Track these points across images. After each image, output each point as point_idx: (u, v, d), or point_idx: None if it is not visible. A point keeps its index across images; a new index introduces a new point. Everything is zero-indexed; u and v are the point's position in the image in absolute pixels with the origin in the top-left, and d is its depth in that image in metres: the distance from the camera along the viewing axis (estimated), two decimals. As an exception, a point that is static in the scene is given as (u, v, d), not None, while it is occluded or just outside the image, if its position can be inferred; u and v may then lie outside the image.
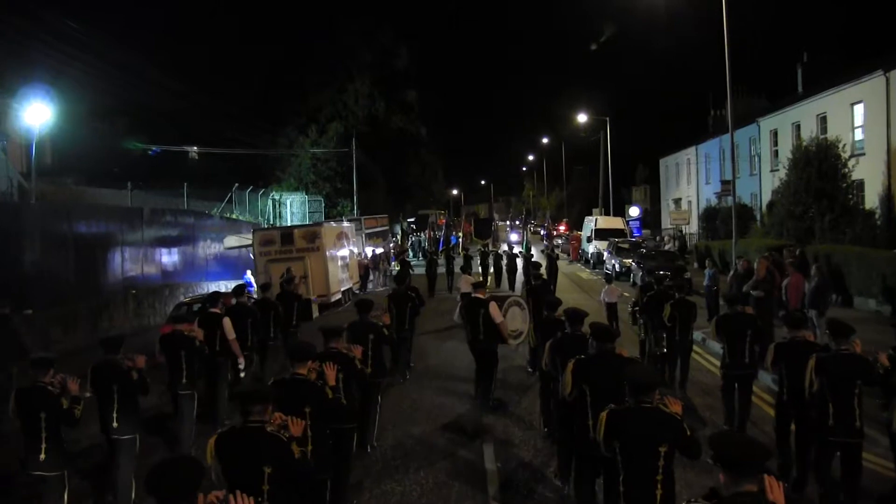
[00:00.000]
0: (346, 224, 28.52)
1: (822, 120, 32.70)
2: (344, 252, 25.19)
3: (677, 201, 56.46)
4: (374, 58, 53.22)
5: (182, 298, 20.03)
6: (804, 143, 28.71)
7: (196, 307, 14.11)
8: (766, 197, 38.58)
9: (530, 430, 10.25)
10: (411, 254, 43.40)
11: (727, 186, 29.30)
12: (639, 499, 5.16)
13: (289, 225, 34.33)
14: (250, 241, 22.36)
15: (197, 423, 9.61)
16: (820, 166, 26.73)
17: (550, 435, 9.31)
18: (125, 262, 19.14)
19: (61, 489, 6.86)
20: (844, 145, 27.45)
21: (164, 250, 21.89)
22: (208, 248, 25.47)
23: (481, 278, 26.92)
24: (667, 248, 34.42)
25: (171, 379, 9.47)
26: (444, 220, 53.78)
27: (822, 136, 30.25)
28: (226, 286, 24.66)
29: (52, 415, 6.72)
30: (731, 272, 17.60)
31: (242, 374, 11.73)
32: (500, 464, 8.85)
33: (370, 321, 9.64)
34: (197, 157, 42.33)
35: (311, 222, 34.50)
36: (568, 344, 7.62)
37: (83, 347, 14.64)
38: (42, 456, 6.69)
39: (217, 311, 11.25)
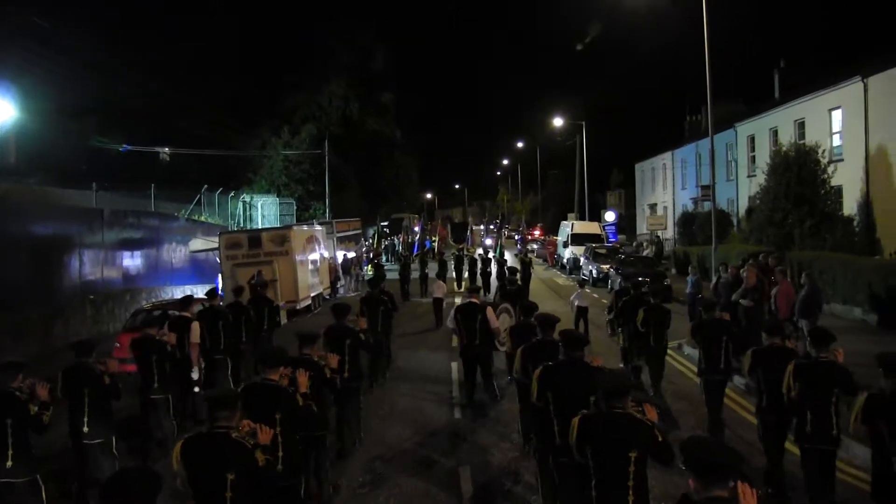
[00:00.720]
0: (316, 227, 27.68)
1: (800, 125, 32.53)
2: (314, 256, 24.37)
3: (653, 206, 56.28)
4: (351, 59, 52.62)
5: (144, 304, 19.10)
6: (783, 149, 28.38)
7: (157, 313, 13.19)
8: (744, 202, 38.42)
9: (506, 437, 10.25)
10: (385, 258, 43.03)
11: (707, 191, 28.87)
12: None
13: (257, 228, 33.40)
14: (216, 245, 21.50)
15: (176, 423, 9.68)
16: (800, 172, 26.42)
17: (527, 442, 9.23)
18: (83, 266, 18.21)
19: (37, 493, 6.74)
20: (824, 151, 27.18)
21: (126, 254, 20.96)
22: (174, 252, 24.54)
23: (455, 283, 27.11)
24: (645, 253, 33.85)
25: (143, 384, 9.46)
26: (418, 224, 53.27)
27: (800, 142, 30.09)
28: (192, 291, 23.84)
29: (19, 421, 6.57)
30: (715, 279, 17.10)
31: (195, 378, 11.43)
32: (473, 473, 8.82)
33: (346, 326, 9.63)
34: (168, 159, 41.43)
35: (279, 226, 33.65)
36: (539, 350, 7.60)
37: (36, 356, 13.93)
38: (9, 463, 6.52)
39: (188, 315, 11.26)
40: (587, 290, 16.98)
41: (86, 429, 7.61)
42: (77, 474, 7.89)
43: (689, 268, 18.75)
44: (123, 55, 38.77)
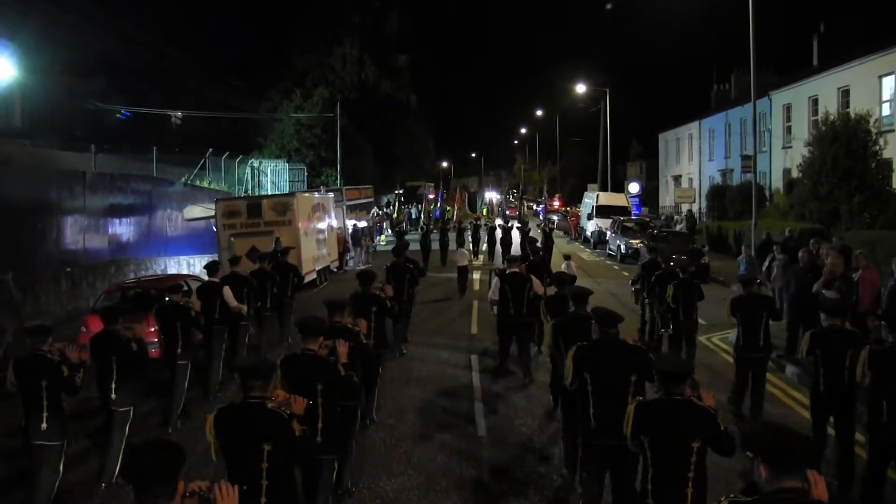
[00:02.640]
0: (323, 195, 25.73)
1: (845, 94, 30.39)
2: (321, 226, 22.50)
3: (677, 178, 54.28)
4: (363, 20, 50.51)
5: (128, 277, 17.43)
6: (831, 117, 26.21)
7: (132, 293, 11.53)
8: (777, 175, 36.38)
9: (531, 410, 10.09)
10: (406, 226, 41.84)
11: (748, 162, 26.77)
12: (669, 497, 4.88)
13: (257, 195, 31.47)
14: (213, 212, 19.72)
15: (187, 393, 9.76)
16: (848, 143, 24.32)
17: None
18: (61, 234, 16.44)
19: (59, 458, 6.81)
20: (875, 121, 25.07)
21: (113, 221, 19.16)
22: (170, 220, 22.74)
23: (472, 253, 25.90)
24: (678, 228, 31.57)
25: (167, 349, 9.60)
26: (436, 193, 51.88)
27: (843, 111, 27.95)
28: (188, 262, 22.17)
29: (53, 383, 6.65)
30: (769, 260, 15.25)
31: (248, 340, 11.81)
32: (492, 443, 8.82)
33: (372, 293, 9.60)
34: (179, 122, 40.92)
35: (282, 193, 31.89)
36: (572, 325, 7.35)
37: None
38: (44, 425, 6.63)
39: (215, 280, 11.43)
40: (572, 264, 16.14)
41: (114, 395, 7.72)
42: (105, 437, 7.94)
43: (743, 247, 16.80)
44: (131, 15, 37.66)
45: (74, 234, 16.92)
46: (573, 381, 6.16)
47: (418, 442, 8.91)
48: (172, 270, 21.14)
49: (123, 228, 19.63)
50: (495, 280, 12.01)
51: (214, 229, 19.68)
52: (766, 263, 15.45)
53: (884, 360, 6.47)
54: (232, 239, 18.72)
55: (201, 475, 6.09)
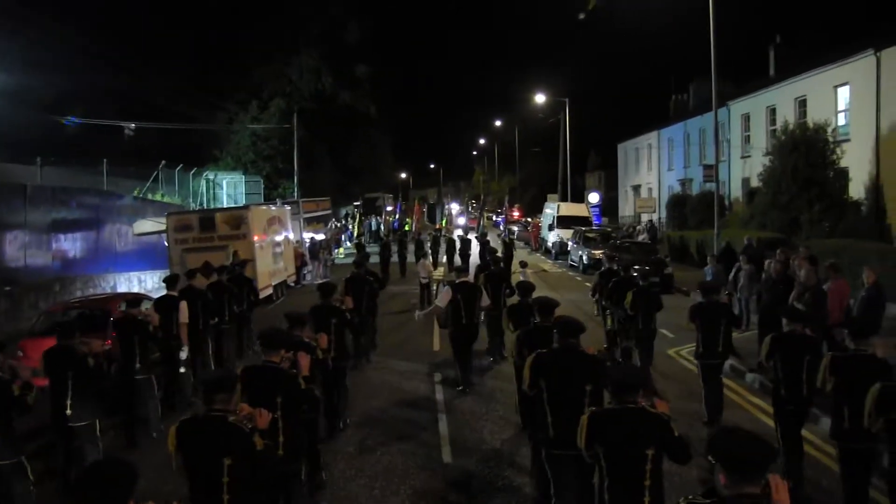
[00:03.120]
0: (279, 207, 25.00)
1: (802, 104, 30.70)
2: (277, 239, 21.79)
3: (636, 188, 54.53)
4: (322, 30, 49.74)
5: (74, 296, 16.58)
6: (790, 127, 26.33)
7: (71, 315, 10.81)
8: (736, 184, 36.60)
9: (489, 416, 10.30)
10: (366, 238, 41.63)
11: (710, 171, 26.79)
12: None
13: (211, 208, 30.54)
14: (164, 227, 18.92)
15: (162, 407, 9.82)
16: (808, 152, 24.42)
17: (526, 426, 8.85)
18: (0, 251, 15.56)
19: (23, 475, 6.65)
20: (833, 130, 25.20)
21: (57, 236, 18.28)
22: (119, 235, 21.82)
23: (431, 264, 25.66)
24: (640, 238, 31.41)
25: (124, 364, 9.42)
26: (395, 205, 51.37)
27: (801, 121, 28.15)
28: (139, 279, 21.33)
29: (2, 403, 6.44)
30: (735, 270, 15.02)
31: (183, 358, 11.29)
32: (456, 451, 8.85)
33: (332, 305, 9.62)
34: (132, 133, 39.65)
35: (236, 206, 31.07)
36: (536, 336, 7.31)
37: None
38: None
39: (174, 293, 11.20)
40: (528, 271, 16.25)
41: (69, 411, 7.51)
42: (61, 455, 7.78)
43: (709, 257, 16.55)
44: (83, 24, 36.48)
45: (14, 250, 16.06)
46: (531, 388, 6.15)
47: (382, 450, 9.00)
48: (123, 287, 20.29)
49: (69, 244, 18.77)
50: (445, 289, 11.94)
51: (166, 244, 18.89)
52: (732, 273, 15.22)
53: (845, 366, 6.54)
54: (184, 254, 17.97)
55: (162, 491, 6.49)
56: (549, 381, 6.01)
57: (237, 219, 18.82)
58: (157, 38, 43.91)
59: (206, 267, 13.71)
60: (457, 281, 11.80)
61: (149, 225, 20.86)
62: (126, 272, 20.98)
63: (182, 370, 11.18)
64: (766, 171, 26.60)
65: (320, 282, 26.33)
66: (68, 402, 7.48)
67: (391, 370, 13.10)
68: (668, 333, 14.40)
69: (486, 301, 11.64)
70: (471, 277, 17.94)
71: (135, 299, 10.49)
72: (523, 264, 16.35)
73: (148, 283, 21.84)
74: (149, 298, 13.48)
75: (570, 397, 5.83)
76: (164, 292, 11.81)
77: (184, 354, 11.12)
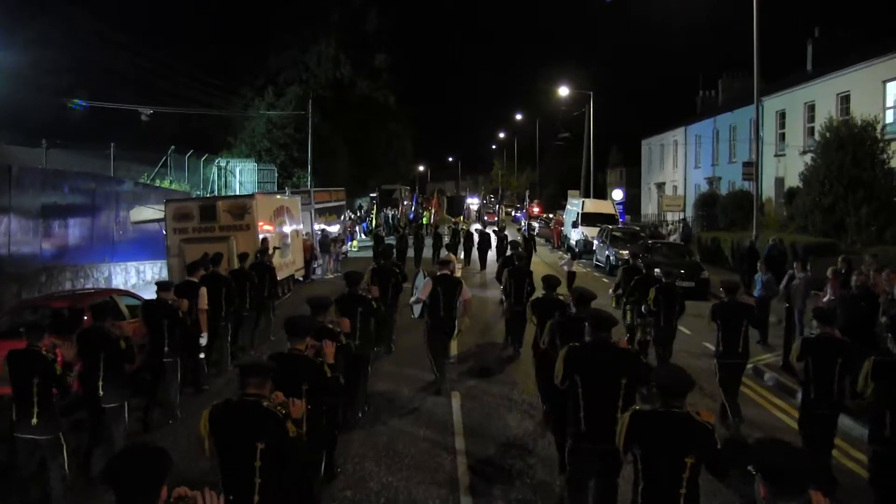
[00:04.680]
0: (289, 196, 23.54)
1: (844, 99, 28.97)
2: (285, 231, 20.38)
3: (660, 185, 52.95)
4: (341, 18, 48.62)
5: (62, 287, 15.27)
6: (834, 123, 24.64)
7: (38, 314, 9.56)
8: (769, 184, 34.83)
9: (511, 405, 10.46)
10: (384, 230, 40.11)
11: (749, 169, 25.15)
12: None
13: (213, 196, 29.00)
14: (163, 215, 17.57)
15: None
16: (855, 151, 22.74)
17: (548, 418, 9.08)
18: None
19: (59, 451, 6.82)
20: (882, 127, 23.53)
21: (49, 222, 16.97)
22: (117, 222, 20.47)
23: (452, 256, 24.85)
24: (671, 239, 29.64)
25: (152, 348, 9.60)
26: (412, 197, 50.30)
27: (842, 118, 26.47)
28: (137, 269, 20.05)
29: (45, 380, 6.70)
30: (787, 279, 13.52)
31: (203, 344, 11.20)
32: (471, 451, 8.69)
33: (359, 294, 9.63)
34: (148, 118, 39.10)
35: (239, 194, 29.73)
36: (573, 327, 7.37)
37: None
38: (34, 420, 6.67)
39: (194, 279, 11.29)
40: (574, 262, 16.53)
41: (101, 392, 7.74)
42: (88, 434, 7.99)
43: (758, 264, 14.98)
44: (100, 10, 36.20)
45: (-5, 237, 14.76)
46: (563, 382, 6.10)
47: (398, 436, 9.12)
48: (119, 278, 19.04)
49: (60, 231, 17.44)
50: (426, 280, 11.85)
51: (164, 233, 17.55)
52: (784, 281, 13.70)
53: (889, 371, 6.36)
54: (182, 244, 16.64)
55: (185, 476, 6.41)
56: (583, 375, 5.93)
57: (240, 207, 17.41)
58: (175, 23, 43.32)
59: (204, 259, 12.50)
60: (438, 273, 11.62)
61: (147, 212, 19.46)
62: (123, 262, 19.69)
63: (201, 356, 11.19)
64: (807, 170, 24.94)
65: (331, 276, 25.42)
66: (100, 384, 7.70)
67: (406, 362, 12.94)
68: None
69: (466, 294, 11.45)
70: (490, 273, 18.72)
71: (165, 282, 10.50)
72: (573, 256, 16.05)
73: (147, 273, 20.53)
74: (134, 297, 12.26)
75: (605, 392, 5.78)
76: (154, 288, 10.83)
77: (203, 341, 11.06)
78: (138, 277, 20.22)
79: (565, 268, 20.47)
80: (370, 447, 8.69)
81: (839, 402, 7.29)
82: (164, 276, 17.66)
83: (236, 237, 16.71)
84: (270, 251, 16.04)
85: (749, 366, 12.37)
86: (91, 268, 17.81)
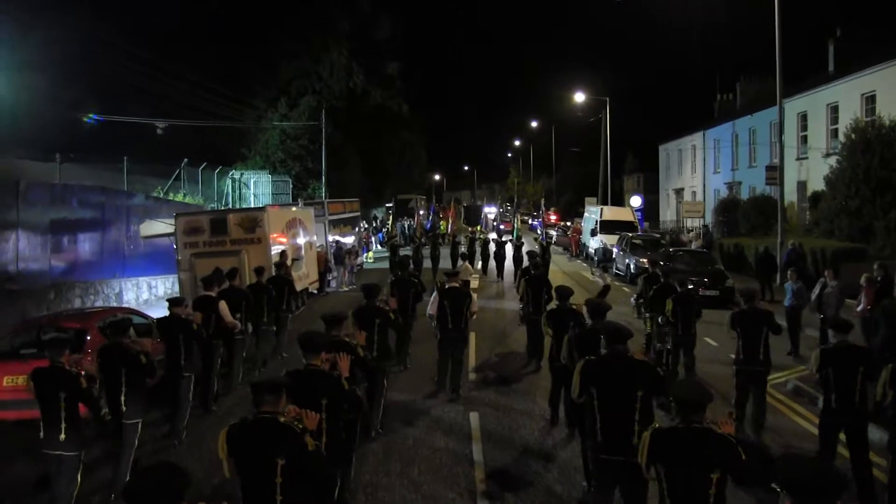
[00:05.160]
0: (301, 208, 23.08)
1: (870, 100, 28.24)
2: (298, 243, 19.97)
3: (679, 191, 52.23)
4: (352, 27, 48.27)
5: (72, 304, 14.92)
6: (861, 124, 23.99)
7: (50, 335, 9.09)
8: (791, 187, 34.07)
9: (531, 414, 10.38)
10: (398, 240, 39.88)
11: (773, 173, 24.51)
12: None
13: (225, 209, 28.63)
14: (173, 229, 17.21)
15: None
16: (883, 152, 22.09)
17: (555, 418, 9.67)
18: (-14, 254, 13.94)
19: (77, 467, 6.88)
20: (911, 128, 22.89)
21: (58, 238, 16.64)
22: (128, 237, 20.11)
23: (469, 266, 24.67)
24: (693, 246, 28.94)
25: (169, 363, 9.56)
26: (428, 207, 50.01)
27: (873, 118, 25.77)
28: (149, 285, 19.70)
29: (71, 395, 6.79)
30: (819, 288, 12.94)
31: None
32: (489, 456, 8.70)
33: (377, 306, 9.61)
34: (162, 132, 39.42)
35: (252, 207, 29.37)
36: (590, 339, 7.34)
37: None
38: (62, 436, 6.73)
39: (212, 294, 11.25)
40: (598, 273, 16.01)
41: (123, 408, 7.72)
42: (115, 449, 7.87)
43: (789, 272, 14.36)
44: (112, 22, 36.02)
45: (3, 253, 14.42)
46: (580, 395, 6.13)
47: (414, 448, 9.06)
48: (130, 294, 18.70)
49: (69, 247, 17.09)
50: (434, 294, 11.89)
51: (174, 247, 17.18)
52: (816, 290, 13.10)
53: None
54: (193, 259, 16.27)
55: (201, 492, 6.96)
56: (599, 388, 5.97)
57: (251, 220, 17.00)
58: (187, 35, 43.18)
59: (219, 274, 12.15)
60: (447, 286, 11.64)
61: (157, 227, 19.06)
62: (134, 277, 19.34)
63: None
64: (832, 172, 24.28)
65: (345, 288, 24.99)
66: (122, 399, 7.71)
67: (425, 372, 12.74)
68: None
69: (475, 307, 11.59)
70: (507, 282, 18.71)
71: (178, 298, 10.39)
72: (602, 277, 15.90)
73: (160, 288, 20.19)
74: (140, 315, 11.89)
75: (621, 404, 5.81)
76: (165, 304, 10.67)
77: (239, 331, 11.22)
78: (150, 293, 19.88)
79: (600, 281, 19.46)
80: (386, 457, 8.72)
81: (863, 410, 7.18)
82: (177, 291, 17.30)
83: (247, 251, 16.31)
84: (289, 262, 16.01)
85: (780, 379, 11.90)
86: (101, 284, 17.47)
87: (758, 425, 9.29)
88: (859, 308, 12.10)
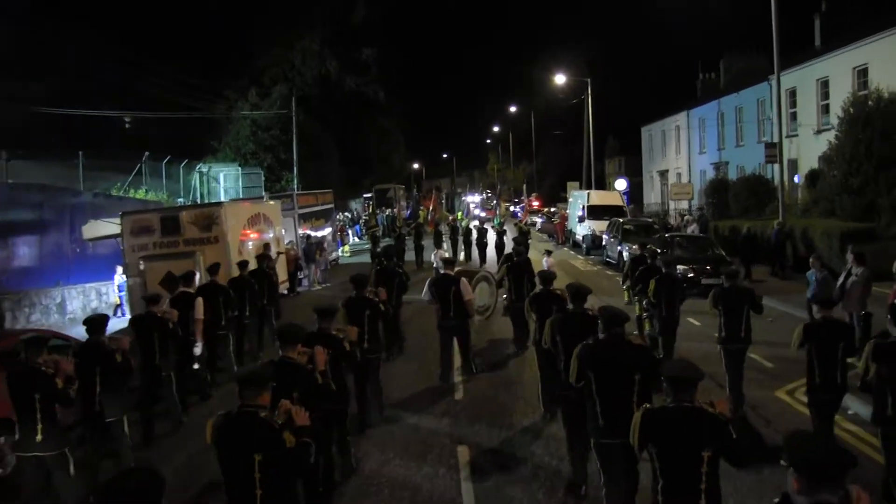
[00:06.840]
0: (267, 203, 21.31)
1: (862, 73, 27.02)
2: (263, 241, 18.26)
3: (663, 173, 51.09)
4: (325, 12, 46.66)
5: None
6: (859, 98, 22.70)
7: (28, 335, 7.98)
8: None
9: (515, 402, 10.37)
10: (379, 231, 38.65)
11: (772, 150, 23.17)
12: None
13: (176, 206, 26.75)
14: (119, 229, 15.57)
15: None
16: (884, 126, 20.79)
17: (548, 410, 9.41)
18: None
19: (65, 466, 6.78)
20: (911, 100, 21.61)
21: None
22: (73, 239, 18.38)
23: (451, 254, 25.29)
24: (690, 230, 27.37)
25: (144, 361, 9.40)
26: (408, 196, 48.84)
27: (860, 93, 24.51)
28: (98, 292, 18.07)
29: (46, 395, 6.67)
30: (843, 276, 11.57)
31: (197, 354, 10.91)
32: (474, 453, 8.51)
33: (366, 297, 9.57)
34: (129, 125, 38.35)
35: (207, 203, 27.54)
36: (570, 322, 7.49)
37: None
38: (38, 437, 6.65)
39: (190, 290, 11.12)
40: (552, 261, 14.72)
41: (98, 407, 7.66)
42: (94, 448, 7.86)
43: (811, 259, 12.94)
44: (70, 11, 34.80)
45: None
46: (578, 380, 6.16)
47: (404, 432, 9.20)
48: (76, 303, 17.17)
49: (2, 253, 15.41)
50: (427, 282, 11.85)
51: (121, 249, 15.54)
52: (841, 279, 11.68)
53: (889, 353, 6.43)
54: (143, 262, 14.67)
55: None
56: (597, 372, 6.01)
57: (207, 217, 15.39)
58: (154, 24, 41.53)
59: (169, 279, 11.04)
60: (441, 272, 11.66)
61: (102, 227, 17.32)
62: (80, 284, 17.70)
63: (196, 366, 10.94)
64: (831, 149, 22.98)
65: (318, 287, 23.42)
66: (96, 399, 7.63)
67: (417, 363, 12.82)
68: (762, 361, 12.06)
69: (468, 294, 11.31)
70: (491, 269, 18.17)
71: (154, 295, 10.05)
72: (548, 252, 15.31)
73: (111, 295, 18.48)
74: (62, 337, 10.39)
75: (619, 388, 5.86)
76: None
77: (198, 350, 10.74)
78: (100, 301, 18.20)
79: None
80: (379, 445, 8.75)
81: (843, 386, 7.38)
82: (123, 298, 15.70)
83: (203, 252, 14.75)
84: (274, 256, 15.74)
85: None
86: (39, 294, 15.82)
87: (738, 400, 9.36)
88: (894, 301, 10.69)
